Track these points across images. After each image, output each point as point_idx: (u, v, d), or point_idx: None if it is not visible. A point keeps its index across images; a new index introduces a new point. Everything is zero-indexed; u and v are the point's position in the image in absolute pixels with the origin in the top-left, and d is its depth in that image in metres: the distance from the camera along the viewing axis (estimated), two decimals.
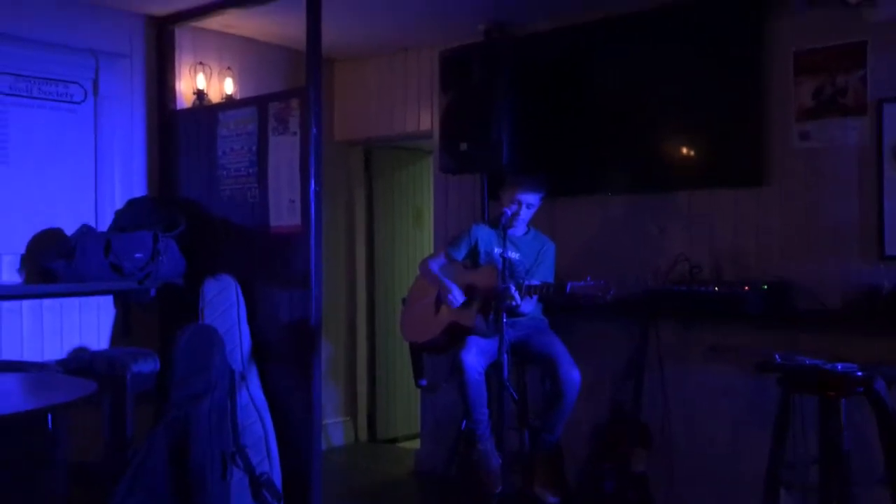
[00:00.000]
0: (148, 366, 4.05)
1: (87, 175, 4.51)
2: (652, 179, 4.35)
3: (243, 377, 4.30)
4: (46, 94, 4.36)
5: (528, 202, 3.93)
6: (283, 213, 4.33)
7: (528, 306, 3.83)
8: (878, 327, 3.58)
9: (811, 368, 3.24)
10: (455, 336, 3.89)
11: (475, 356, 3.76)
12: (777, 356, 3.37)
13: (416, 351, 4.38)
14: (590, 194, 4.58)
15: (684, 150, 4.28)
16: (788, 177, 3.97)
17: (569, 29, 4.60)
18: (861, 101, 3.79)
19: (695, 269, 4.05)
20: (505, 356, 3.48)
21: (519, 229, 4.02)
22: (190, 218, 4.55)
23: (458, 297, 3.88)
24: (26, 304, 4.23)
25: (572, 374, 3.74)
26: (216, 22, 4.87)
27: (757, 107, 4.01)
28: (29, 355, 4.18)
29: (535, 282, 3.74)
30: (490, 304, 3.77)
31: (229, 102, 4.88)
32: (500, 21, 4.76)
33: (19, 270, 4.24)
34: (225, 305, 4.40)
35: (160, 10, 4.72)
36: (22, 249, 4.25)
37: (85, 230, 4.33)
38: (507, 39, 4.72)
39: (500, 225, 3.73)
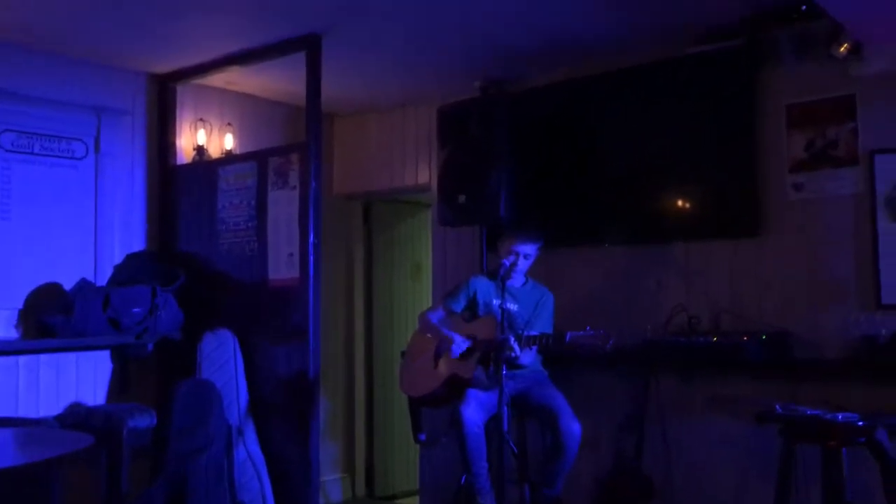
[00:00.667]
0: (144, 421, 4.02)
1: (86, 230, 4.54)
2: (649, 231, 4.39)
3: (240, 432, 4.26)
4: (49, 150, 4.41)
5: (524, 253, 3.95)
6: (282, 267, 4.35)
7: (528, 358, 3.82)
8: (877, 376, 3.57)
9: (812, 418, 3.23)
10: (454, 389, 3.87)
11: (474, 409, 3.73)
12: (777, 406, 3.36)
13: (415, 405, 4.35)
14: (587, 246, 4.61)
15: (680, 202, 4.32)
16: (784, 227, 4.01)
17: (564, 84, 4.69)
18: (853, 153, 3.84)
19: (693, 320, 4.06)
20: (505, 409, 3.46)
21: (517, 280, 4.03)
22: (188, 272, 4.57)
23: (460, 344, 3.86)
24: (23, 359, 4.22)
25: (573, 427, 3.71)
26: (217, 79, 4.96)
27: (751, 158, 4.07)
28: (25, 411, 4.15)
29: (533, 332, 3.74)
30: (489, 355, 3.77)
31: (229, 157, 4.94)
32: (496, 77, 4.86)
33: (16, 326, 4.24)
34: (223, 360, 4.39)
35: (162, 68, 4.81)
36: (20, 304, 4.25)
37: (83, 285, 4.34)
38: (504, 95, 4.81)
39: (499, 276, 3.75)
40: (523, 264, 3.97)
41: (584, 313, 4.32)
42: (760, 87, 4.08)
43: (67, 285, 4.33)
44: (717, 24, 4.03)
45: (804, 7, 3.73)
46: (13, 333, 4.22)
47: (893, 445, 3.13)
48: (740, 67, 4.10)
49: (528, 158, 4.54)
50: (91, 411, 4.13)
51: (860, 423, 3.13)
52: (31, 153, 4.35)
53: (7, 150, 4.26)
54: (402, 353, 4.44)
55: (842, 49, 3.76)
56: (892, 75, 3.71)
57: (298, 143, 4.44)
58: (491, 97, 4.77)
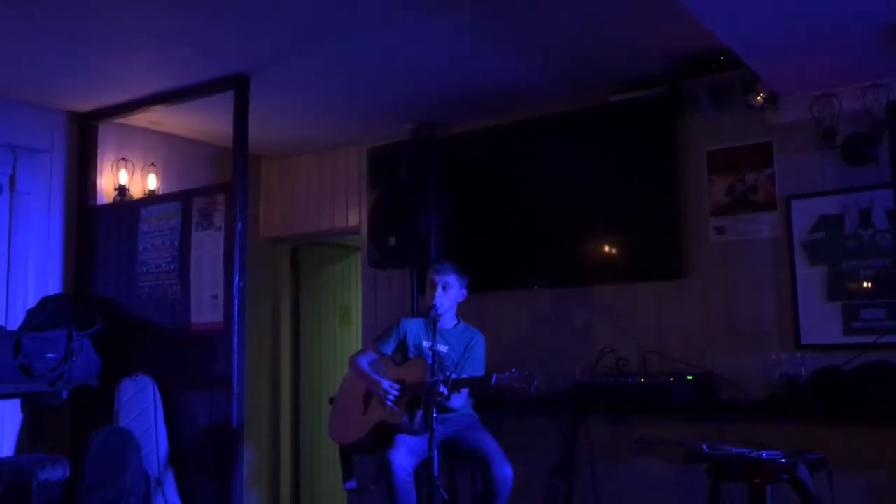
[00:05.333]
0: (57, 472, 3.81)
1: None
2: (576, 274, 4.44)
3: (160, 483, 4.09)
4: None
5: (443, 282, 3.92)
6: (206, 310, 4.23)
7: (458, 401, 3.77)
8: (799, 415, 3.66)
9: (738, 457, 3.26)
10: (384, 435, 3.79)
11: (404, 456, 3.65)
12: (704, 446, 3.38)
13: (345, 452, 4.24)
14: (517, 289, 4.63)
15: (606, 245, 4.39)
16: (707, 270, 4.10)
17: (492, 129, 4.75)
18: (771, 198, 3.98)
19: (621, 362, 4.09)
20: (435, 453, 3.40)
21: (448, 322, 4.00)
22: (107, 316, 4.41)
23: (388, 389, 3.79)
24: None
25: (505, 471, 3.66)
26: (141, 118, 4.85)
27: (674, 203, 4.17)
28: None
29: (463, 376, 3.70)
30: (418, 399, 3.71)
31: (152, 197, 4.82)
32: (427, 120, 4.89)
33: None
34: (141, 407, 4.22)
35: (84, 106, 4.68)
36: None
37: None
38: (435, 138, 4.84)
39: (430, 318, 3.71)
40: (443, 295, 3.92)
41: (515, 355, 4.33)
42: (682, 134, 4.21)
43: None
44: (639, 73, 4.16)
45: (722, 58, 3.87)
46: None
47: (814, 482, 3.19)
48: (661, 115, 4.22)
49: (458, 201, 4.56)
50: None
51: (783, 461, 3.18)
52: None
53: None
54: (331, 399, 4.34)
55: (758, 98, 3.91)
56: (805, 124, 3.86)
57: (224, 182, 4.36)
58: (422, 140, 4.80)
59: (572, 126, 4.50)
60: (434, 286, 3.92)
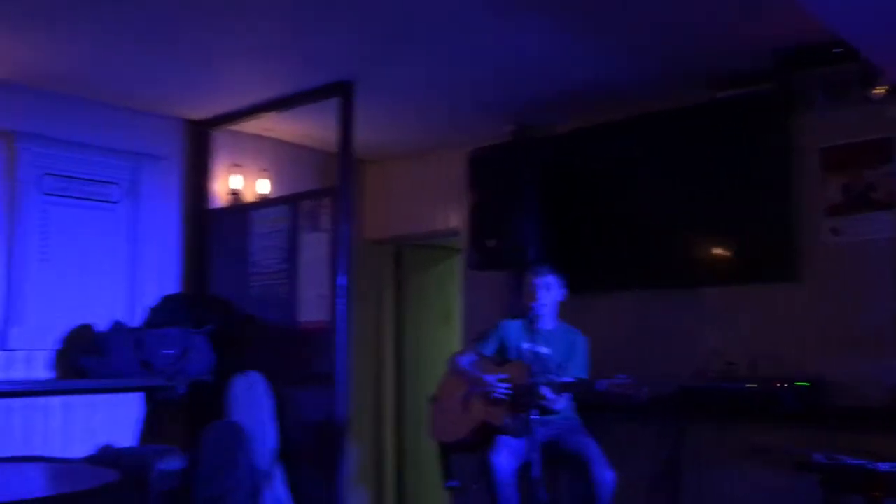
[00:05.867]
0: (174, 463, 4.01)
1: (123, 272, 4.60)
2: (683, 275, 4.33)
3: (268, 477, 4.23)
4: (88, 193, 4.50)
5: (543, 284, 3.90)
6: (313, 309, 4.36)
7: (561, 404, 3.75)
8: None
9: (855, 468, 3.13)
10: (485, 435, 3.81)
11: (505, 457, 3.66)
12: (818, 455, 3.25)
13: (446, 451, 4.28)
14: (620, 291, 4.56)
15: (715, 246, 4.27)
16: (822, 272, 3.93)
17: (593, 129, 4.68)
18: (891, 196, 3.78)
19: (730, 366, 3.97)
20: (536, 456, 3.39)
21: (548, 323, 3.98)
22: (220, 314, 4.60)
23: (494, 384, 3.80)
24: (58, 400, 4.24)
25: (606, 475, 3.61)
26: (252, 125, 5.05)
27: (787, 202, 4.02)
28: (59, 452, 4.16)
29: (567, 378, 3.67)
30: (520, 401, 3.71)
31: (263, 201, 5.00)
32: (527, 122, 4.87)
33: (54, 366, 4.28)
34: (252, 402, 4.38)
35: (199, 114, 4.91)
36: (58, 345, 4.30)
37: (117, 327, 4.38)
38: (534, 140, 4.82)
39: (528, 319, 3.70)
40: (545, 296, 3.90)
41: (617, 360, 4.25)
42: (794, 131, 4.04)
43: (104, 327, 4.38)
44: (747, 68, 4.02)
45: (838, 49, 3.70)
46: (50, 374, 4.26)
47: None
48: (772, 111, 4.08)
49: (558, 203, 4.53)
50: (121, 453, 4.13)
51: None
52: (72, 196, 4.44)
53: (48, 194, 4.35)
54: (432, 399, 4.39)
55: (877, 91, 3.72)
56: None
57: (330, 186, 4.48)
58: (521, 142, 4.79)
59: (676, 124, 4.39)
60: (534, 287, 3.91)
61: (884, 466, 3.06)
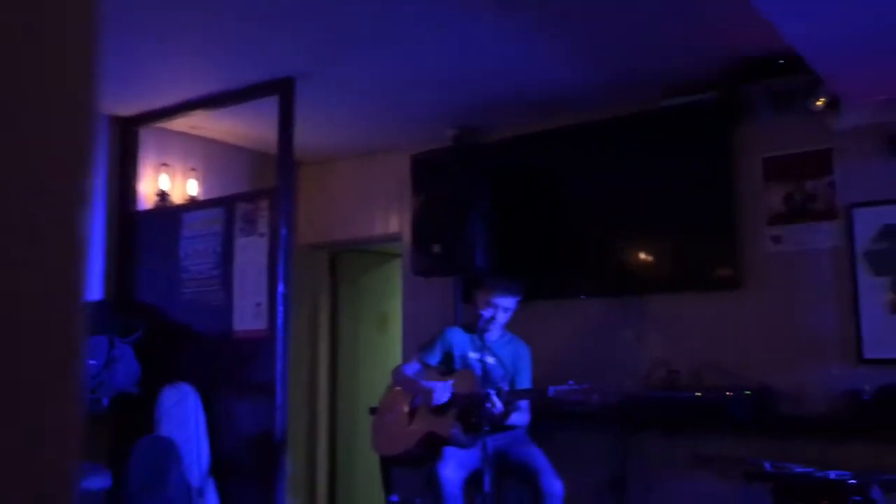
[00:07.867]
0: (97, 482, 3.75)
1: None
2: (625, 283, 4.32)
3: (201, 493, 4.01)
4: None
5: (504, 306, 3.82)
6: (248, 318, 4.16)
7: (523, 418, 3.69)
8: (864, 432, 3.52)
9: (804, 477, 3.14)
10: (431, 447, 3.70)
11: (453, 469, 3.56)
12: (767, 464, 3.26)
13: (388, 464, 4.15)
14: (564, 298, 4.52)
15: (657, 254, 4.27)
16: (764, 280, 3.97)
17: (539, 134, 4.64)
18: (831, 206, 3.84)
19: (674, 374, 3.97)
20: (487, 469, 3.30)
21: (494, 333, 3.90)
22: (148, 322, 4.35)
23: (441, 392, 3.69)
24: None
25: (554, 486, 3.56)
26: (181, 123, 4.81)
27: (729, 211, 4.04)
28: None
29: (519, 386, 3.61)
30: (469, 411, 3.61)
31: (195, 203, 4.77)
32: (470, 126, 4.80)
33: None
34: (183, 415, 4.16)
35: (125, 110, 4.64)
36: None
37: None
38: (480, 144, 4.75)
39: (478, 329, 3.62)
40: (503, 317, 3.84)
41: (561, 367, 4.21)
42: (737, 140, 4.08)
43: None
44: (692, 77, 4.04)
45: (782, 61, 3.74)
46: None
47: None
48: (715, 120, 4.10)
49: (504, 208, 4.46)
50: None
51: (853, 482, 3.04)
52: None
53: None
54: (373, 410, 4.25)
55: (819, 103, 3.78)
56: (868, 130, 3.73)
57: (268, 188, 4.30)
58: (467, 146, 4.71)
59: (622, 131, 4.39)
60: (496, 308, 3.79)
61: (833, 475, 3.08)
